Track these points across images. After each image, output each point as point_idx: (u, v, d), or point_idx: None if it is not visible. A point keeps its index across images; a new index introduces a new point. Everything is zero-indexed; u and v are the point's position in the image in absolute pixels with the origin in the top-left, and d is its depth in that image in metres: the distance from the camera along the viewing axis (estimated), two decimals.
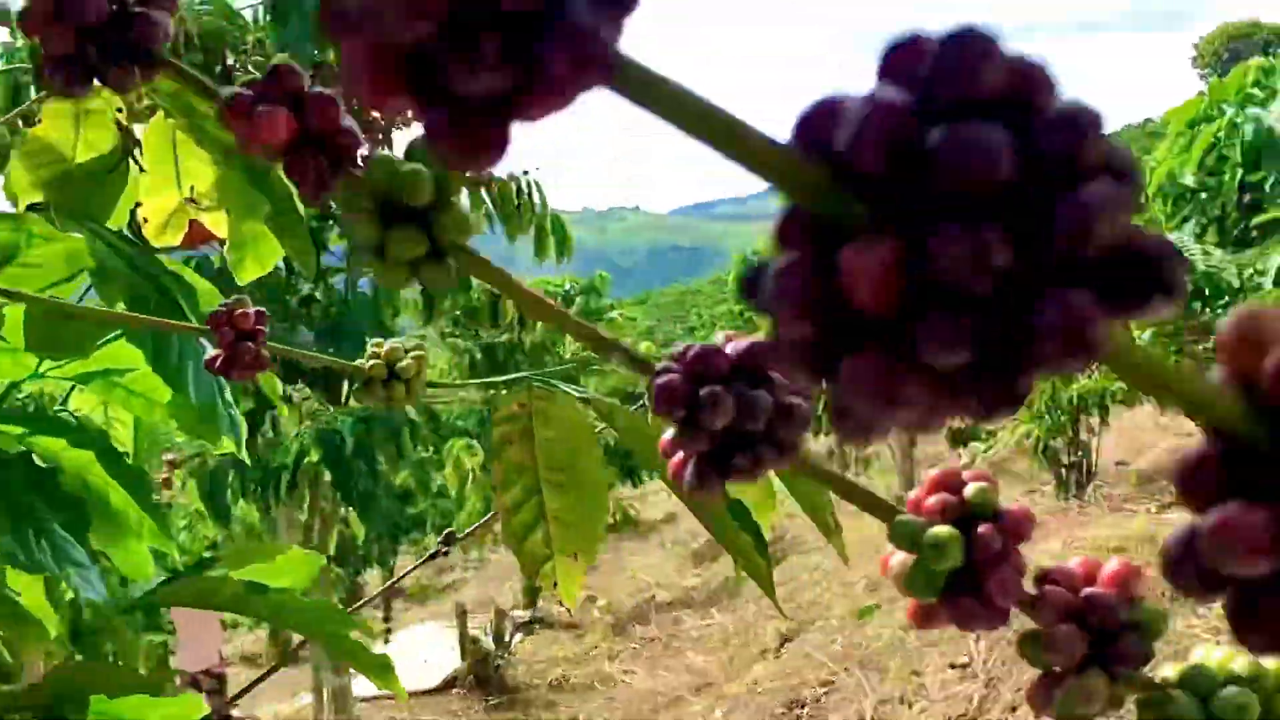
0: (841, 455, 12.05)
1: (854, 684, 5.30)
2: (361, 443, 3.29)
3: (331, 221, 3.82)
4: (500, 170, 4.02)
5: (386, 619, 15.12)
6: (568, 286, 10.67)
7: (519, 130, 0.19)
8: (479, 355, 9.80)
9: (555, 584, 0.89)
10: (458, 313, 9.04)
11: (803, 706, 5.36)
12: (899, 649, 5.42)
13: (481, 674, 7.29)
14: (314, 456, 3.36)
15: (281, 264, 1.22)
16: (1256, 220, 6.31)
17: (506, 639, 7.80)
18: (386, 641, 9.35)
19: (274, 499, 3.51)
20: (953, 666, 5.08)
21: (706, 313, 25.14)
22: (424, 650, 8.14)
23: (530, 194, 4.02)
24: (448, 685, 7.36)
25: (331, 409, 3.42)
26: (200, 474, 3.59)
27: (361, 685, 7.80)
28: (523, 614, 10.40)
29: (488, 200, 3.98)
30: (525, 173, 4.08)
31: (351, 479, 3.37)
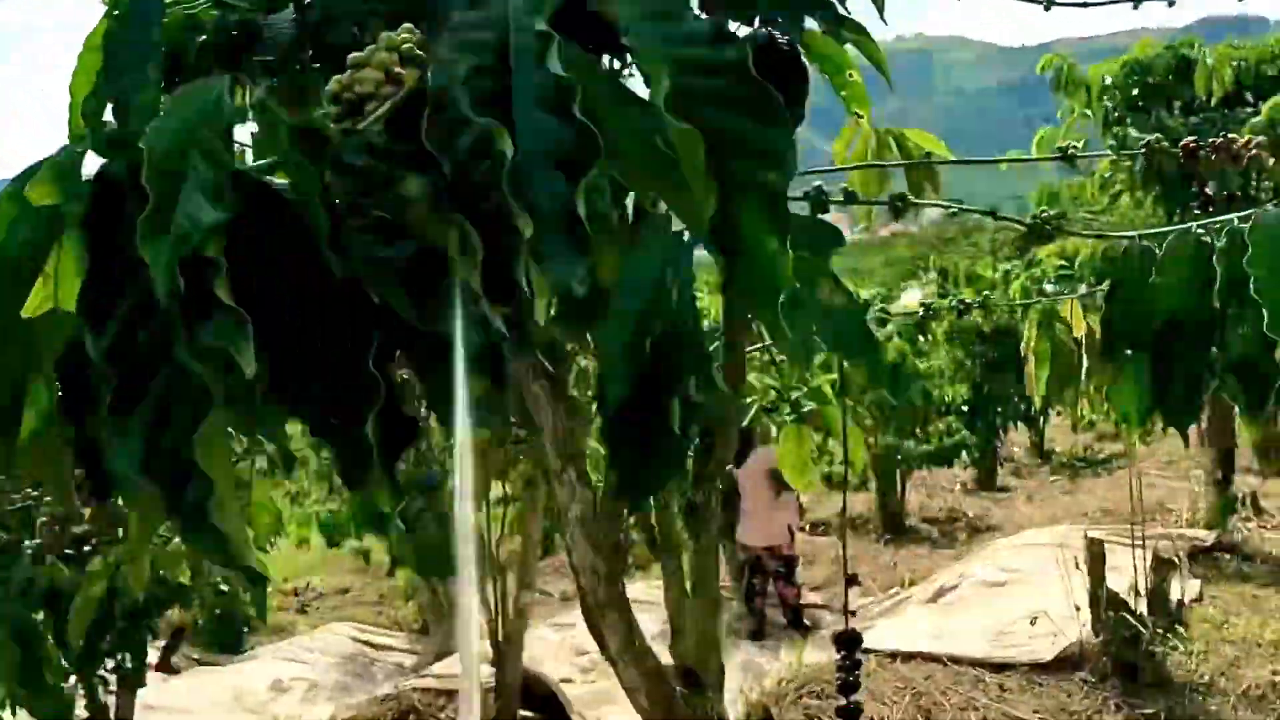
0: None
1: None
2: None
3: None
4: None
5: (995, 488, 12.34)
6: None
7: None
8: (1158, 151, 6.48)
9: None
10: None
11: None
12: None
13: (1126, 657, 4.44)
14: None
15: None
16: None
17: (1170, 601, 4.80)
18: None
19: None
20: None
21: None
22: (1033, 590, 5.43)
23: None
24: (1068, 663, 4.62)
25: None
26: None
27: (901, 636, 5.30)
28: (1203, 536, 7.15)
29: None
30: None
31: None
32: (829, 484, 12.47)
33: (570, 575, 7.60)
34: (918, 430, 11.68)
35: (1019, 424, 14.06)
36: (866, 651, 5.13)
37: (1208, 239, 1.29)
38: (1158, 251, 1.33)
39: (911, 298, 13.74)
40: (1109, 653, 4.46)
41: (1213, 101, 6.27)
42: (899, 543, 10.55)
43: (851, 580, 2.33)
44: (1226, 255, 1.24)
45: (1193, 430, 9.03)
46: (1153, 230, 1.39)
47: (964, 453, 12.32)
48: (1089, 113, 6.78)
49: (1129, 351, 1.33)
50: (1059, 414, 15.00)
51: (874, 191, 2.18)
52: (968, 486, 13.63)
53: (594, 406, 1.45)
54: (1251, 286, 1.16)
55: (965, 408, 13.35)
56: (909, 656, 4.93)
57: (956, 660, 4.77)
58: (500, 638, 6.20)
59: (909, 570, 8.91)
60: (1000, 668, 4.68)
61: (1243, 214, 1.26)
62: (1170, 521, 7.72)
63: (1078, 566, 4.57)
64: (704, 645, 1.77)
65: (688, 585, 1.82)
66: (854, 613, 2.25)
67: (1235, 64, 6.59)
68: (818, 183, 1.59)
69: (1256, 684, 4.42)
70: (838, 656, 2.28)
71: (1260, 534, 7.48)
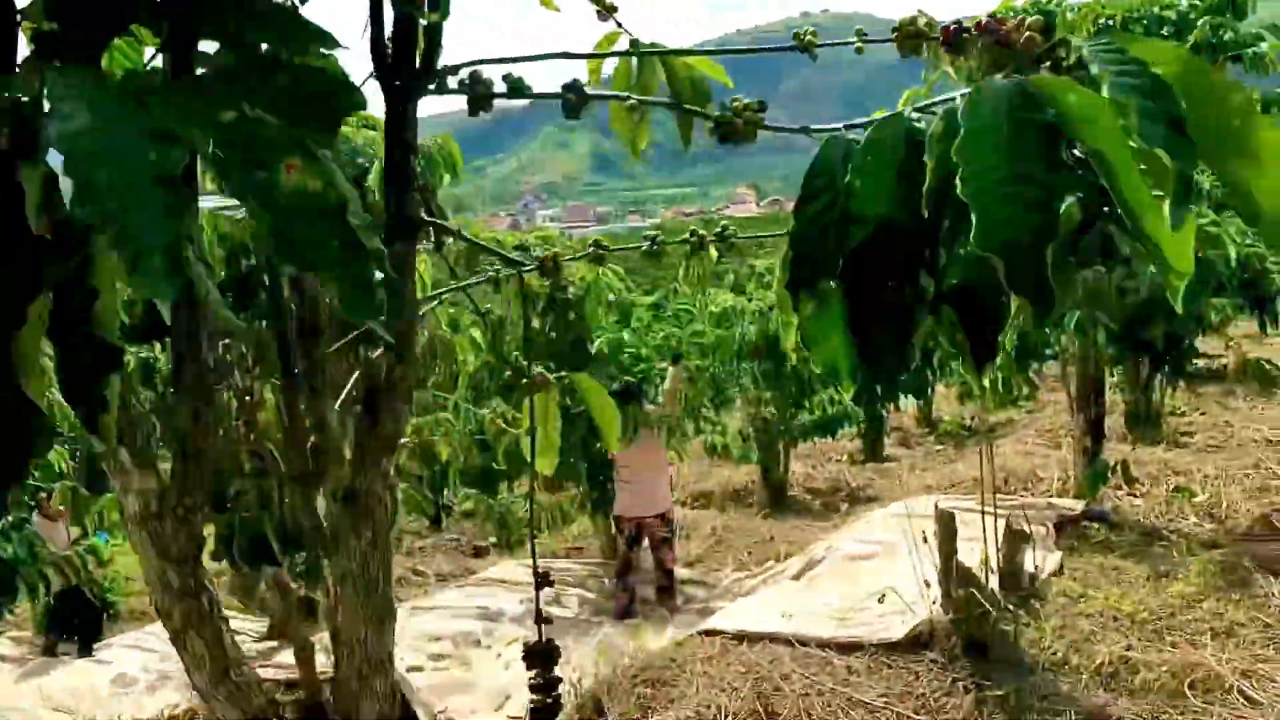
0: None
1: None
2: None
3: None
4: None
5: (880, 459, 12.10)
6: (1184, 4, 6.64)
7: None
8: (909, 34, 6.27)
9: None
10: None
11: None
12: None
13: (977, 635, 4.21)
14: None
15: None
16: None
17: (1023, 575, 4.59)
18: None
19: None
20: None
21: None
22: (896, 564, 5.20)
23: None
24: (918, 642, 4.38)
25: None
26: None
27: (790, 621, 5.00)
28: (1072, 506, 7.02)
29: None
30: None
31: None
32: (714, 455, 12.24)
33: (453, 554, 7.21)
34: (804, 401, 11.48)
35: (905, 394, 13.95)
36: (713, 633, 4.85)
37: (921, 125, 0.96)
38: None
39: None
40: (959, 631, 4.23)
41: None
42: (779, 515, 10.35)
43: (543, 579, 1.93)
44: (940, 145, 0.90)
45: (1063, 397, 8.95)
46: (860, 120, 1.05)
47: (850, 423, 12.17)
48: (950, 70, 6.53)
49: (830, 283, 0.99)
50: (946, 384, 14.97)
51: (627, 129, 1.82)
52: (854, 457, 13.51)
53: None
54: (959, 182, 0.82)
55: None
56: (757, 638, 4.65)
57: (804, 641, 4.50)
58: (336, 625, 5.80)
59: (785, 543, 8.69)
60: (849, 648, 4.42)
61: (966, 90, 0.93)
62: (1040, 491, 7.61)
63: (925, 540, 4.32)
64: (370, 665, 1.41)
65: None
66: (549, 620, 1.88)
67: (1100, 21, 6.40)
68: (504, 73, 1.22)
69: (1110, 660, 4.23)
70: (530, 675, 1.89)
71: (1130, 503, 7.40)
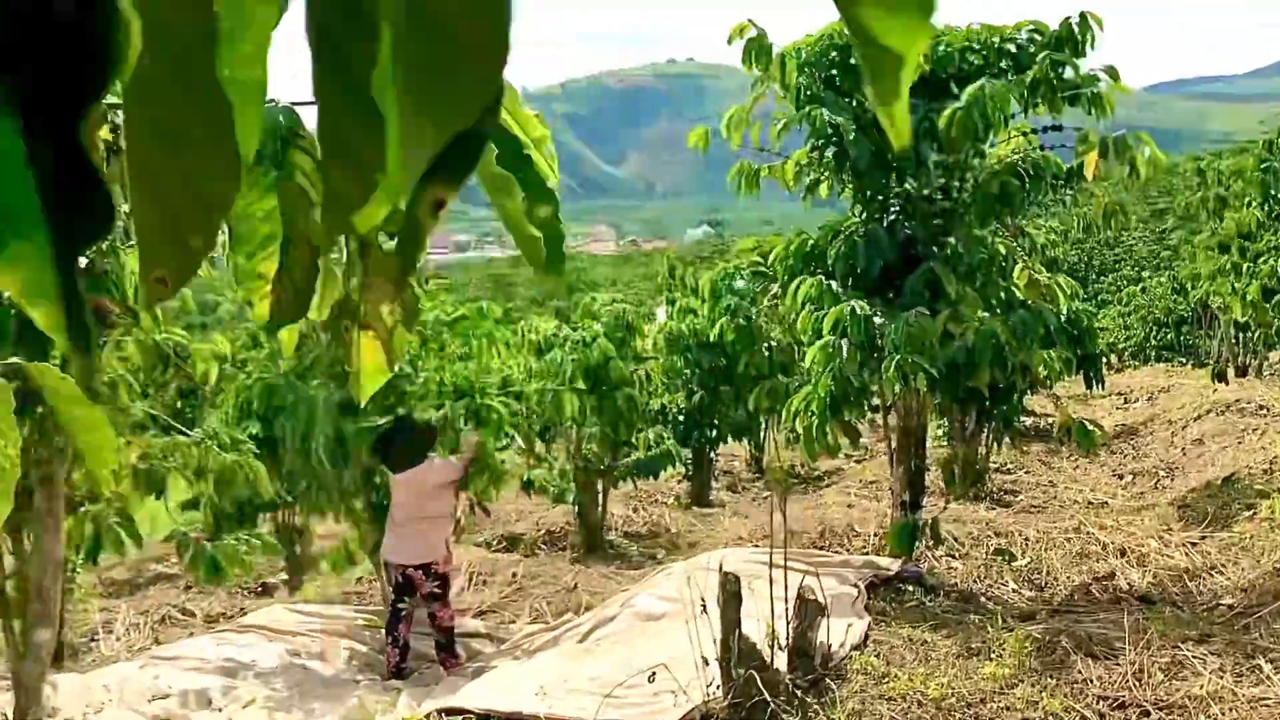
0: None
1: None
2: None
3: None
4: None
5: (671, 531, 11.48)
6: (1023, 38, 6.28)
7: None
8: None
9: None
10: None
11: None
12: None
13: None
14: None
15: None
16: None
17: (815, 650, 3.95)
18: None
19: None
20: None
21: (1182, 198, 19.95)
22: (678, 630, 4.52)
23: None
24: None
25: None
26: None
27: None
28: (888, 565, 6.49)
29: None
30: None
31: None
32: (529, 492, 11.46)
33: (236, 592, 6.07)
34: (631, 439, 10.84)
35: (736, 437, 13.44)
36: (457, 712, 4.07)
37: None
38: None
39: (664, 314, 12.90)
40: (738, 718, 3.56)
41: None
42: (591, 561, 9.61)
43: None
44: None
45: (884, 448, 8.51)
46: None
47: (674, 464, 11.55)
48: (778, 89, 6.02)
49: None
50: (776, 429, 14.54)
51: None
52: (681, 500, 12.92)
53: None
54: None
55: (681, 418, 12.64)
56: (508, 719, 3.89)
57: None
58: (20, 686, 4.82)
59: (589, 594, 7.96)
60: None
61: None
62: (858, 547, 7.10)
63: (705, 610, 3.65)
64: None
65: None
66: None
67: (937, 49, 5.98)
68: None
69: None
70: None
71: (948, 564, 6.96)
